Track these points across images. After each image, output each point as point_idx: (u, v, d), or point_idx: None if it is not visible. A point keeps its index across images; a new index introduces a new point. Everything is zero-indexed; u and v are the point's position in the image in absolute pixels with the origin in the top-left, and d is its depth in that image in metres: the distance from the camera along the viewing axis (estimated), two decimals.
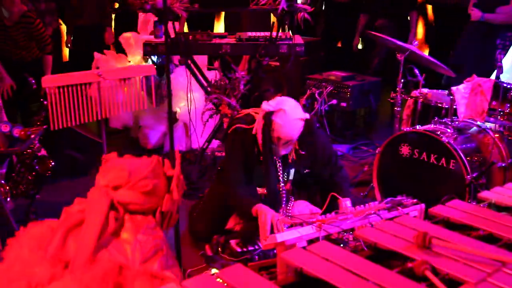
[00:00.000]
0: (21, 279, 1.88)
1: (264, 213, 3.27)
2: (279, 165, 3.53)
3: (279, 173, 3.56)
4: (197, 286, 1.58)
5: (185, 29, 6.68)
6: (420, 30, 7.53)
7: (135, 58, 5.81)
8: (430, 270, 1.64)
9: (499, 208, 2.20)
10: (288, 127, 3.31)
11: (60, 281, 1.85)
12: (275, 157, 3.50)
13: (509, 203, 2.19)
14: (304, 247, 1.83)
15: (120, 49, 5.99)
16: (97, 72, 3.29)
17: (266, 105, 3.35)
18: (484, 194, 2.29)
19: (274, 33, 4.60)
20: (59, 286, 1.86)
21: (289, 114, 3.31)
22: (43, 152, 3.87)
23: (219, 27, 7.82)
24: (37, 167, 4.05)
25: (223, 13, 7.50)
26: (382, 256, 1.83)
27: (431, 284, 1.60)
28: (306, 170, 3.75)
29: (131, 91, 3.52)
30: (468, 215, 2.05)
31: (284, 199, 3.63)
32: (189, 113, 4.96)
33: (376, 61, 6.53)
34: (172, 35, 4.65)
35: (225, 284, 1.53)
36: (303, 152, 3.52)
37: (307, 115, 3.37)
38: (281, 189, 3.58)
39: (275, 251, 3.28)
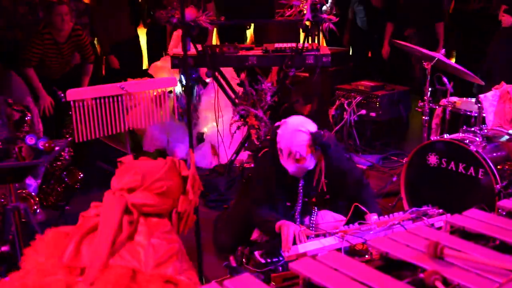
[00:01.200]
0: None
1: (287, 226, 3.26)
2: (300, 186, 3.49)
3: (299, 193, 3.53)
4: (237, 286, 1.58)
5: (215, 41, 6.75)
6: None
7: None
8: (440, 280, 1.61)
9: None
10: (287, 137, 3.25)
11: None
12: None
13: None
14: (313, 257, 1.81)
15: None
16: (120, 85, 3.35)
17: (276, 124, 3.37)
18: (503, 203, 2.24)
19: (300, 44, 4.61)
20: None
21: (290, 125, 3.28)
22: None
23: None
24: (66, 179, 4.14)
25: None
26: (393, 266, 1.80)
27: None
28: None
29: (155, 103, 3.56)
30: (485, 224, 2.00)
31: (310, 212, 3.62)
32: (217, 125, 5.00)
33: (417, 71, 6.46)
34: (200, 48, 4.70)
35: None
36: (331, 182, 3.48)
37: (312, 129, 3.28)
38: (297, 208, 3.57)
39: None
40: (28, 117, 3.90)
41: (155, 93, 3.59)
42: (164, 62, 5.79)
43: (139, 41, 6.92)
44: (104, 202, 2.06)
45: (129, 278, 1.85)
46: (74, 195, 4.28)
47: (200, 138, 5.77)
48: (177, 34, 5.89)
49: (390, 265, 1.81)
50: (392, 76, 6.62)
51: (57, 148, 2.96)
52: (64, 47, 5.14)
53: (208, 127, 5.48)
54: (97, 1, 6.45)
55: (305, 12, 4.40)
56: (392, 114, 5.88)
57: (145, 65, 7.11)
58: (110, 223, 1.95)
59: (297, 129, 3.26)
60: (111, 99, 3.37)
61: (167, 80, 3.77)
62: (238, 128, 4.94)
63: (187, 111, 2.84)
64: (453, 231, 2.04)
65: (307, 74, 6.16)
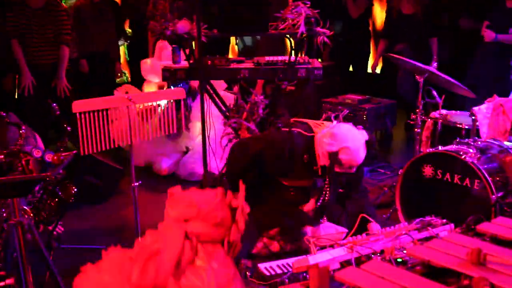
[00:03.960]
0: None
1: None
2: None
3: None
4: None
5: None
6: None
7: (150, 86, 5.87)
8: (489, 286, 1.63)
9: None
10: (357, 158, 3.46)
11: None
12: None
13: None
14: (357, 266, 1.81)
15: (136, 76, 6.03)
16: (128, 97, 3.31)
17: (328, 146, 3.46)
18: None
19: (292, 57, 4.64)
20: None
21: (354, 148, 3.44)
22: None
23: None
24: (60, 193, 4.04)
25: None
26: (436, 274, 1.82)
27: None
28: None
29: (161, 115, 3.53)
30: None
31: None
32: (208, 137, 4.97)
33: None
34: (191, 61, 4.68)
35: None
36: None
37: (366, 136, 3.52)
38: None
39: (304, 274, 3.28)
40: (23, 131, 3.80)
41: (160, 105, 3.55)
42: (155, 63, 5.75)
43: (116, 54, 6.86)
44: (163, 230, 2.12)
45: None
46: (67, 210, 4.19)
47: (186, 151, 5.75)
48: (161, 45, 5.87)
49: (432, 273, 1.83)
50: (378, 90, 6.69)
51: (65, 161, 2.90)
52: (40, 14, 5.19)
53: (199, 139, 5.44)
54: (75, 10, 6.44)
55: (299, 25, 4.43)
56: (379, 127, 5.96)
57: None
58: (173, 246, 2.03)
59: (360, 145, 3.48)
60: (118, 111, 3.32)
61: (176, 91, 3.74)
62: (230, 141, 4.92)
63: (202, 121, 2.82)
64: (483, 239, 2.07)
65: (293, 88, 6.19)
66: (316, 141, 3.59)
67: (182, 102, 4.85)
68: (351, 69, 7.42)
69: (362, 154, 3.48)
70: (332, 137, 3.49)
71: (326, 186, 3.66)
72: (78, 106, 3.18)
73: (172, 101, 3.53)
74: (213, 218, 2.17)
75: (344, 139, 3.46)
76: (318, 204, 3.71)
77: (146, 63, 5.77)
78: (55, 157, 2.84)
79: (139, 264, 2.04)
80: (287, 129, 3.70)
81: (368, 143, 3.49)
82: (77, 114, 3.19)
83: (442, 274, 1.83)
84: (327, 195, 3.67)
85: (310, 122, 3.80)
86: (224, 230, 2.22)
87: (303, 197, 3.85)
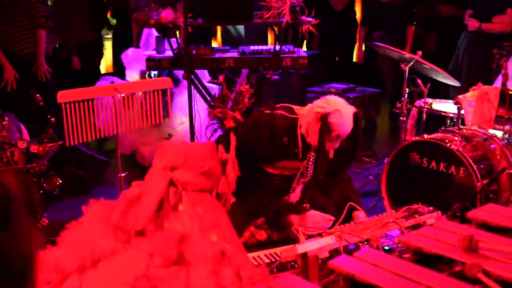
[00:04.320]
0: (84, 248, 1.93)
1: None
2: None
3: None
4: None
5: None
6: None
7: (133, 74, 5.81)
8: (482, 272, 1.64)
9: None
10: (346, 125, 3.51)
11: (125, 253, 1.89)
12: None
13: None
14: (350, 254, 1.81)
15: (120, 67, 5.98)
16: (114, 86, 3.27)
17: (320, 108, 3.48)
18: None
19: (277, 47, 4.62)
20: (124, 259, 1.89)
21: (344, 113, 3.49)
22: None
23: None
24: (44, 185, 4.00)
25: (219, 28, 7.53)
26: (428, 261, 1.82)
27: (485, 286, 1.60)
28: None
29: (148, 105, 3.49)
30: (505, 217, 2.05)
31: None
32: (194, 128, 4.94)
33: (389, 85, 6.59)
34: (176, 50, 4.65)
35: None
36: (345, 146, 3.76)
37: (354, 108, 3.58)
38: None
39: (293, 262, 3.28)
40: (6, 122, 3.75)
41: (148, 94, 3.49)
42: (136, 52, 5.70)
43: (99, 44, 6.82)
44: (148, 178, 2.10)
45: (178, 241, 1.89)
46: (52, 202, 4.15)
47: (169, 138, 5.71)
48: (148, 32, 5.81)
49: (424, 260, 1.84)
50: (362, 79, 6.69)
51: (50, 151, 2.87)
52: (11, 3, 5.10)
53: (182, 126, 5.41)
54: (55, 4, 6.36)
55: (284, 14, 4.41)
56: (363, 116, 5.97)
57: (105, 69, 7.02)
58: (155, 189, 2.00)
59: (350, 114, 3.54)
60: (104, 100, 3.27)
61: (161, 80, 3.70)
62: (215, 131, 4.90)
63: (189, 111, 2.80)
64: (473, 225, 2.08)
65: (277, 77, 6.18)
66: (301, 119, 3.62)
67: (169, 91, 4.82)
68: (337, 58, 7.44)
69: (350, 124, 3.53)
70: (325, 101, 3.56)
71: (309, 167, 3.71)
72: (63, 96, 3.13)
73: (158, 90, 3.50)
74: (200, 167, 2.15)
75: (336, 103, 3.54)
76: (300, 182, 3.75)
77: (127, 53, 5.71)
78: (41, 148, 2.81)
79: (120, 207, 2.02)
80: (269, 111, 3.72)
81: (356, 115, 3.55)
82: (62, 104, 3.14)
83: (433, 261, 1.83)
84: (309, 174, 3.72)
85: (294, 106, 3.82)
86: (212, 181, 2.20)
87: (288, 185, 3.87)
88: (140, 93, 3.45)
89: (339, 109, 3.49)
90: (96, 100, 3.26)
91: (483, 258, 1.73)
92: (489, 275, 1.65)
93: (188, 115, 4.66)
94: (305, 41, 6.81)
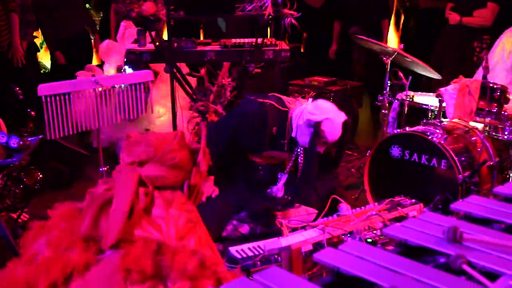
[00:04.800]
0: (55, 264, 1.81)
1: None
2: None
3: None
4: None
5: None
6: (394, 35, 7.64)
7: (109, 69, 5.73)
8: (466, 264, 1.64)
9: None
10: (335, 133, 3.63)
11: (99, 265, 1.79)
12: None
13: None
14: (334, 247, 1.81)
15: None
16: (95, 79, 3.23)
17: (312, 115, 3.58)
18: (498, 189, 2.31)
19: (259, 40, 4.60)
20: (99, 271, 1.80)
21: (335, 122, 3.61)
22: None
23: None
24: (25, 179, 3.95)
25: None
26: (412, 253, 1.82)
27: (470, 277, 1.60)
28: None
29: (129, 98, 3.45)
30: (488, 209, 2.06)
31: None
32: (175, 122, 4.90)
33: (358, 68, 6.62)
34: (157, 43, 4.60)
35: None
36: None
37: (344, 116, 3.69)
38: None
39: (277, 256, 3.28)
40: None
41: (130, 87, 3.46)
42: (112, 45, 5.63)
43: (88, 37, 6.73)
44: (116, 176, 2.00)
45: (155, 250, 1.81)
46: (33, 197, 4.10)
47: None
48: (124, 25, 5.74)
49: (409, 252, 1.84)
50: (340, 73, 6.69)
51: (31, 146, 2.83)
52: None
53: (160, 120, 5.36)
54: None
55: (266, 7, 4.40)
56: (345, 109, 5.96)
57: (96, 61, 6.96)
58: (125, 193, 1.89)
59: (340, 123, 3.65)
60: (85, 94, 3.23)
61: (143, 73, 3.66)
62: (197, 124, 4.87)
63: (172, 105, 2.77)
64: (458, 217, 2.09)
65: (259, 70, 6.15)
66: (292, 114, 3.65)
67: (150, 85, 4.78)
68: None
69: (339, 132, 3.62)
70: (317, 108, 3.61)
71: (298, 161, 3.76)
72: (44, 89, 3.08)
73: (140, 83, 3.46)
74: (170, 159, 2.03)
75: (328, 111, 3.61)
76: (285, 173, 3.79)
77: (103, 45, 5.64)
78: (21, 142, 2.77)
79: (90, 214, 1.91)
80: (260, 100, 3.74)
81: (345, 125, 3.61)
82: (43, 98, 3.10)
83: (417, 253, 1.83)
84: (299, 171, 3.75)
85: (285, 98, 3.86)
86: (183, 174, 2.08)
87: (272, 176, 3.89)
88: (122, 85, 3.42)
89: (331, 118, 3.59)
90: (77, 94, 3.21)
91: (468, 250, 1.74)
92: (474, 267, 1.66)
93: (171, 109, 4.63)
94: (286, 34, 6.78)
